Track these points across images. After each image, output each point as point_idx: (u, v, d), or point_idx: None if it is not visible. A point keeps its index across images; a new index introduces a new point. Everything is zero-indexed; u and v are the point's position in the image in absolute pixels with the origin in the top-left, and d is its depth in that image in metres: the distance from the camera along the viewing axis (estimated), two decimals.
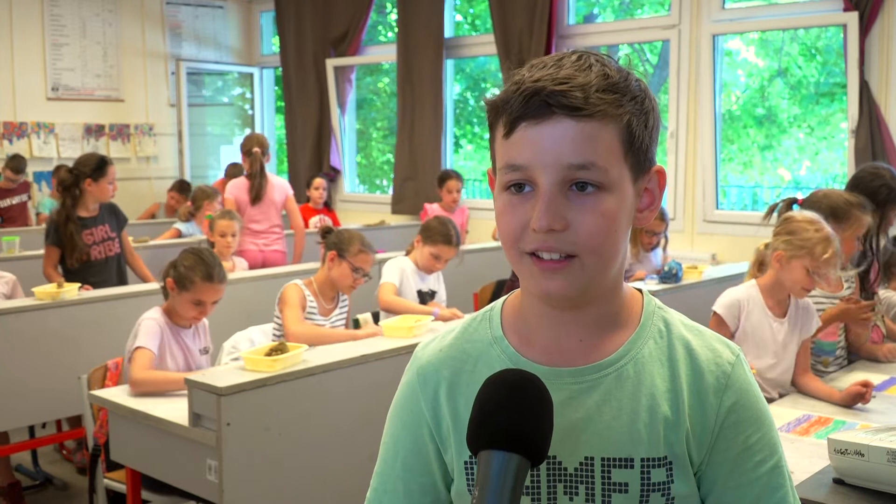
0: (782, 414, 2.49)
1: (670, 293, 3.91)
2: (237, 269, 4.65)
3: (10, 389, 3.59)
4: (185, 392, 2.57)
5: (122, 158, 7.71)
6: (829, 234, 2.63)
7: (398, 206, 7.39)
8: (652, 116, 0.99)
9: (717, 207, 5.81)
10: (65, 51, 7.73)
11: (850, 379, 2.84)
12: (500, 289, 4.82)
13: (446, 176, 6.03)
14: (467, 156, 8.77)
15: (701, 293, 3.89)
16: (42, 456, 4.36)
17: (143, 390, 2.82)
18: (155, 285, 3.69)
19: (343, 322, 3.57)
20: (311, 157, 8.03)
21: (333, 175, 7.99)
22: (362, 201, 8.12)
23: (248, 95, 9.11)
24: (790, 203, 2.99)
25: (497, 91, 1.00)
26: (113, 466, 2.95)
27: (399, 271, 3.90)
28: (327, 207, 7.00)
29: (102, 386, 3.06)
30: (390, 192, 7.61)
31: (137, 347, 2.91)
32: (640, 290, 1.08)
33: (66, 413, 3.90)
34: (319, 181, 6.78)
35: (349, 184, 8.27)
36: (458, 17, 8.12)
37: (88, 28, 7.87)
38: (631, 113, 0.96)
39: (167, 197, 7.67)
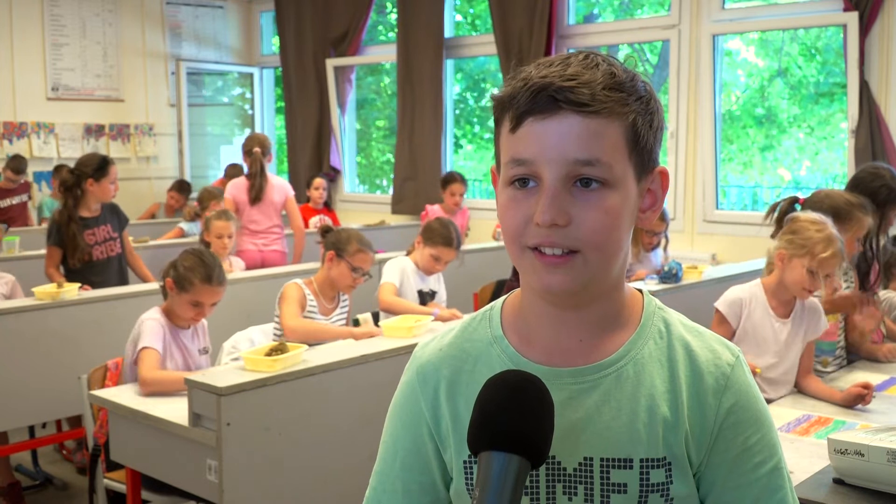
0: (782, 414, 2.49)
1: (670, 293, 3.90)
2: (234, 270, 4.65)
3: (10, 389, 3.59)
4: (186, 392, 2.58)
5: (122, 158, 7.69)
6: (832, 235, 2.62)
7: (398, 206, 7.39)
8: (657, 117, 0.99)
9: (717, 207, 5.81)
10: (65, 51, 7.73)
11: (850, 379, 2.84)
12: (500, 289, 4.81)
13: (451, 179, 6.00)
14: (467, 156, 8.76)
15: (701, 293, 3.89)
16: (42, 456, 4.36)
17: (153, 390, 2.83)
18: (155, 285, 3.69)
19: (343, 321, 3.57)
20: (311, 157, 8.03)
21: (333, 175, 7.98)
22: (362, 201, 8.12)
23: (248, 95, 9.10)
24: (791, 202, 2.99)
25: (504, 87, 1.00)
26: (113, 466, 2.95)
27: (399, 271, 3.90)
28: (327, 207, 7.00)
29: (102, 386, 3.05)
30: (390, 192, 7.61)
31: (144, 348, 2.91)
32: (640, 291, 1.08)
33: (66, 413, 3.90)
34: (319, 181, 6.77)
35: (349, 184, 8.26)
36: (458, 17, 8.11)
37: (88, 28, 7.86)
38: (637, 112, 0.96)
39: (167, 197, 7.68)
